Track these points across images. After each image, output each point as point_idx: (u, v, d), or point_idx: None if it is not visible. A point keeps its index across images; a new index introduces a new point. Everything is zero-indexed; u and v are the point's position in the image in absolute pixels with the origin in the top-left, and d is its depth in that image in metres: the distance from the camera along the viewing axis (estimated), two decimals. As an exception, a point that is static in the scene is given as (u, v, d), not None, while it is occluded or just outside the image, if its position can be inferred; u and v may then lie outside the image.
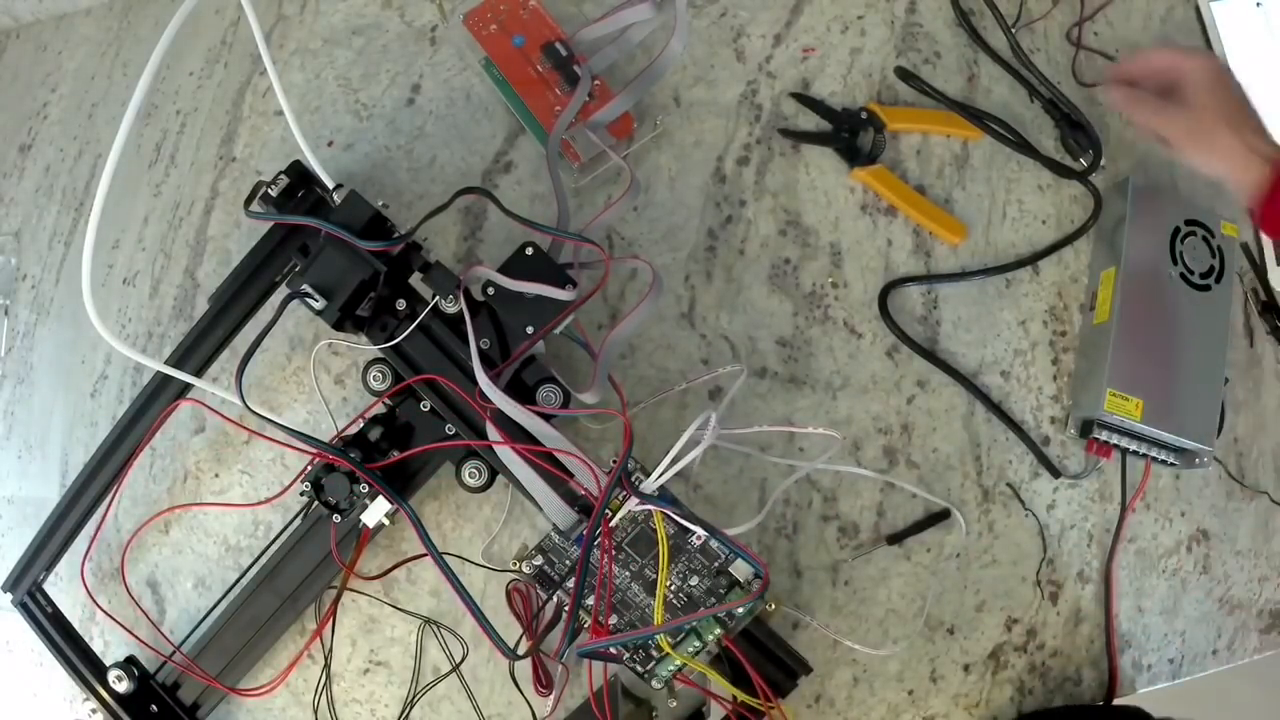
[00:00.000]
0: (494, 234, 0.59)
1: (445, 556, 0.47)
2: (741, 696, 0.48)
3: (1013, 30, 0.61)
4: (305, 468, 0.51)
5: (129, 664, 0.54)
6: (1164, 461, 0.56)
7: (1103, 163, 0.61)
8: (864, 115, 0.60)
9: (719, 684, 0.49)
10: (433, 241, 0.58)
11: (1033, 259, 0.59)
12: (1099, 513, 0.58)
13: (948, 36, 0.62)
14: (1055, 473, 0.57)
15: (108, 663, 0.55)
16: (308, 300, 0.48)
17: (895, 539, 0.55)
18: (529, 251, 0.51)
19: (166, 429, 0.55)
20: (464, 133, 0.61)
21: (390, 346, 0.51)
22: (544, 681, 0.53)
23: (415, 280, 0.52)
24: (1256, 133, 0.51)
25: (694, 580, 0.49)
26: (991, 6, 0.61)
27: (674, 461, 0.45)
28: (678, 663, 0.49)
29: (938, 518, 0.55)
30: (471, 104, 0.61)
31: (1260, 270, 0.61)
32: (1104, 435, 0.55)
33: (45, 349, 0.66)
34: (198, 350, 0.54)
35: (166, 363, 0.53)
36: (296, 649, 0.55)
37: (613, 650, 0.48)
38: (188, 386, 0.53)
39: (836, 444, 0.52)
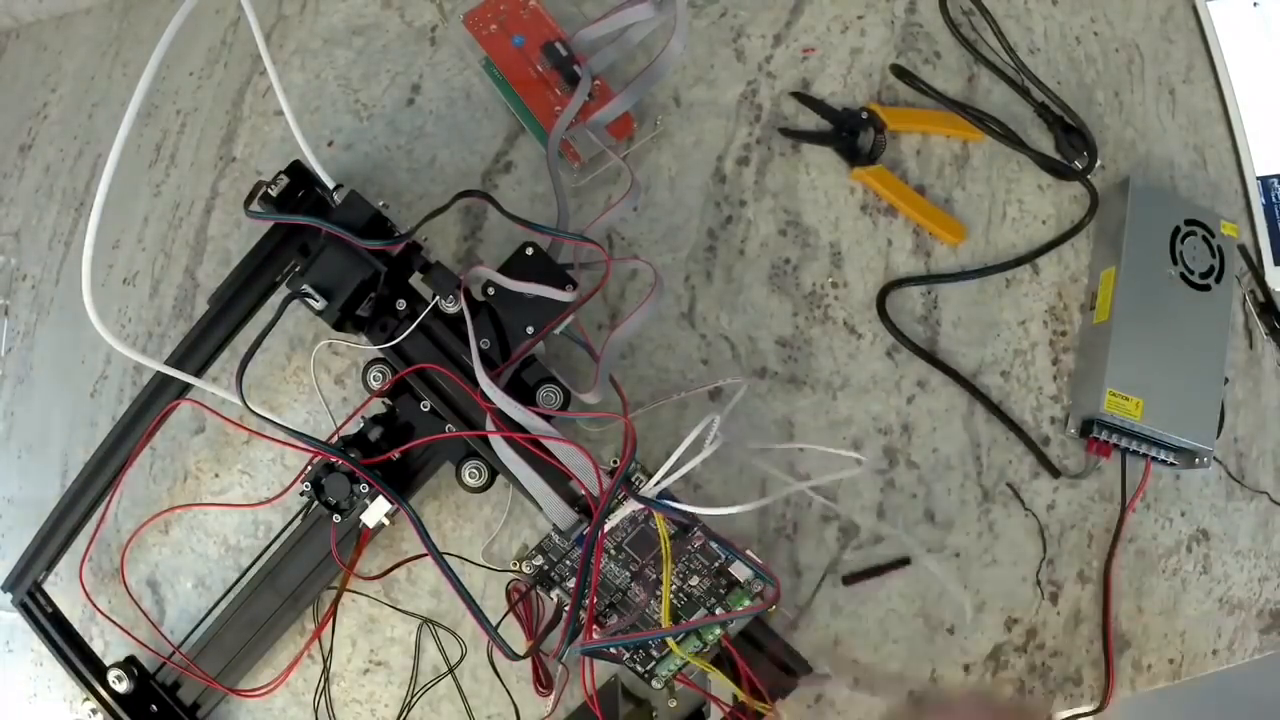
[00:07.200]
0: (494, 234, 0.59)
1: (445, 556, 0.47)
2: (742, 696, 0.48)
3: (1004, 35, 0.61)
4: (305, 468, 0.51)
5: (129, 664, 0.54)
6: (1164, 461, 0.56)
7: (1101, 163, 0.61)
8: (864, 115, 0.60)
9: (721, 682, 0.49)
10: (433, 241, 0.58)
11: (1030, 257, 0.59)
12: (1099, 513, 0.58)
13: (947, 37, 0.62)
14: (1055, 472, 0.57)
15: (108, 663, 0.55)
16: (308, 300, 0.48)
17: (851, 579, 0.55)
18: (529, 252, 0.51)
19: (166, 429, 0.55)
20: (464, 133, 0.61)
21: (390, 346, 0.51)
22: (544, 681, 0.53)
23: (415, 280, 0.52)
24: None
25: (694, 580, 0.49)
26: (983, 11, 0.61)
27: (676, 466, 0.45)
28: (678, 662, 0.49)
29: (898, 564, 0.55)
30: (471, 104, 0.61)
31: (1258, 271, 0.61)
32: (1104, 435, 0.55)
33: (45, 349, 0.66)
34: (198, 350, 0.54)
35: (166, 363, 0.53)
36: (296, 649, 0.55)
37: (613, 650, 0.48)
38: (188, 386, 0.53)
39: (858, 470, 0.52)
